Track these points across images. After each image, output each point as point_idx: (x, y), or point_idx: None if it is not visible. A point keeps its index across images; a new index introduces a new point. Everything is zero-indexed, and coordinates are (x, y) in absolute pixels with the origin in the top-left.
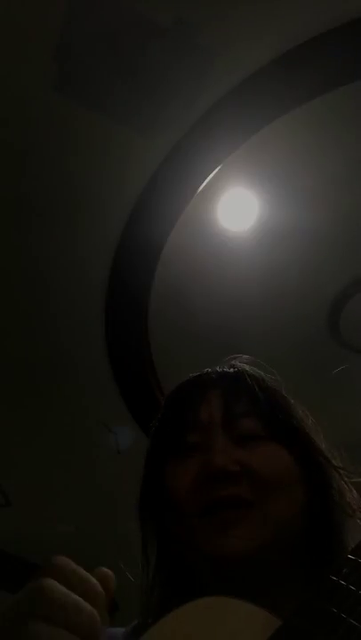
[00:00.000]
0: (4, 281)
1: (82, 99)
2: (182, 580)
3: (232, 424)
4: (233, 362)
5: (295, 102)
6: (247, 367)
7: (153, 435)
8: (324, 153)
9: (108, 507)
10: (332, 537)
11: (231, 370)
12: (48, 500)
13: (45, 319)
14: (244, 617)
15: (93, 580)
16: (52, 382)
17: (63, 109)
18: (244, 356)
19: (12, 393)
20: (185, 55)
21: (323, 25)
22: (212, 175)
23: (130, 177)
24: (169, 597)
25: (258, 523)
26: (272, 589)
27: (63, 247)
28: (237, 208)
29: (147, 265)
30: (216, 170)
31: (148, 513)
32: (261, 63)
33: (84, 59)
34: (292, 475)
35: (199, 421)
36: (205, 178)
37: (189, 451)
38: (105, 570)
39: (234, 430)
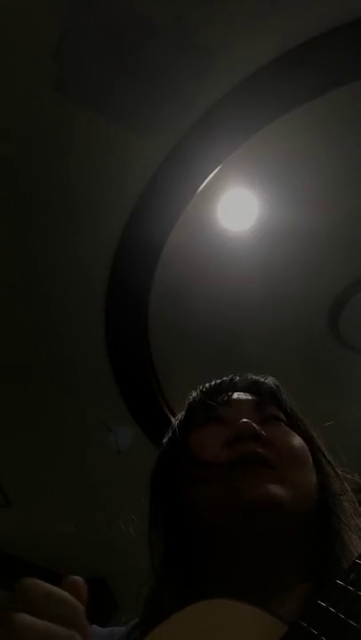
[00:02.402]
0: (4, 281)
1: (81, 99)
2: (190, 560)
3: (260, 408)
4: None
5: (295, 102)
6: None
7: (182, 413)
8: (324, 153)
9: (107, 506)
10: (328, 532)
11: (262, 379)
12: (48, 500)
13: (45, 319)
14: (250, 621)
15: (67, 596)
16: (52, 382)
17: (63, 109)
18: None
19: (12, 393)
20: (184, 55)
21: (323, 25)
22: (212, 175)
23: (130, 177)
24: (173, 592)
25: (280, 482)
26: (273, 566)
27: (63, 247)
28: (237, 208)
29: (147, 265)
30: (216, 170)
31: (165, 482)
32: (261, 63)
33: (84, 59)
34: (307, 457)
35: (230, 401)
36: (205, 178)
37: (218, 421)
38: (74, 578)
39: (261, 413)
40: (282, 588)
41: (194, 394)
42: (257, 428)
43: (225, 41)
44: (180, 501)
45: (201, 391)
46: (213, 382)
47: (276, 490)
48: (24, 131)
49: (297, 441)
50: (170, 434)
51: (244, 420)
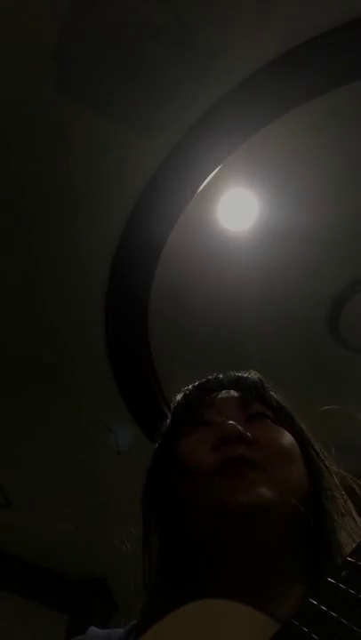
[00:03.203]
0: (4, 281)
1: (82, 99)
2: (184, 564)
3: (245, 406)
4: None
5: (295, 102)
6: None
7: (169, 418)
8: (324, 153)
9: (107, 506)
10: (323, 531)
11: (245, 374)
12: (48, 500)
13: (45, 319)
14: (243, 620)
15: None
16: (52, 382)
17: (63, 109)
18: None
19: (13, 393)
20: (185, 55)
21: (323, 25)
22: (212, 175)
23: (130, 177)
24: (168, 594)
25: (265, 483)
26: (267, 568)
27: (63, 247)
28: (237, 208)
29: (147, 265)
30: (216, 170)
31: (157, 489)
32: (261, 63)
33: (84, 59)
34: (296, 452)
35: (215, 402)
36: (205, 178)
37: (204, 425)
38: None
39: (247, 411)
40: (277, 588)
41: (178, 397)
42: (241, 429)
43: (225, 41)
44: (171, 507)
45: (185, 394)
46: (197, 383)
47: (263, 492)
48: (24, 131)
49: (284, 437)
50: (159, 440)
51: (230, 422)
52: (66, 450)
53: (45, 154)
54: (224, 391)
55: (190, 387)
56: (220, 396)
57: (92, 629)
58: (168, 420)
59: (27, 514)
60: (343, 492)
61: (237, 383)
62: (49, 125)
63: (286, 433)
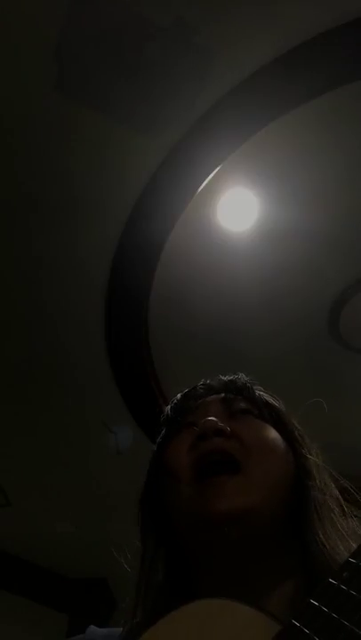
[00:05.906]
0: (4, 281)
1: (82, 99)
2: (179, 570)
3: (229, 404)
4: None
5: (295, 102)
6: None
7: (161, 427)
8: (324, 153)
9: (107, 506)
10: (306, 529)
11: (232, 377)
12: (48, 500)
13: (45, 319)
14: (244, 621)
15: None
16: (52, 382)
17: (63, 109)
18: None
19: (13, 393)
20: (185, 55)
21: (323, 24)
22: (212, 175)
23: (130, 177)
24: (166, 596)
25: (244, 488)
26: (256, 569)
27: (63, 247)
28: (237, 208)
29: (147, 265)
30: (216, 170)
31: (149, 500)
32: (261, 63)
33: (84, 59)
34: (279, 447)
35: (200, 405)
36: (205, 178)
37: (188, 427)
38: None
39: (231, 408)
40: (268, 587)
41: (167, 407)
42: (219, 423)
43: (225, 41)
44: (161, 517)
45: (172, 403)
46: (185, 390)
47: (242, 499)
48: (24, 131)
49: (266, 431)
50: (153, 451)
51: (208, 418)
52: (66, 450)
53: (45, 154)
54: (213, 395)
55: (178, 396)
56: (206, 399)
57: (92, 628)
58: (161, 429)
59: (27, 514)
60: (331, 490)
61: (226, 387)
62: (49, 125)
63: (270, 428)
